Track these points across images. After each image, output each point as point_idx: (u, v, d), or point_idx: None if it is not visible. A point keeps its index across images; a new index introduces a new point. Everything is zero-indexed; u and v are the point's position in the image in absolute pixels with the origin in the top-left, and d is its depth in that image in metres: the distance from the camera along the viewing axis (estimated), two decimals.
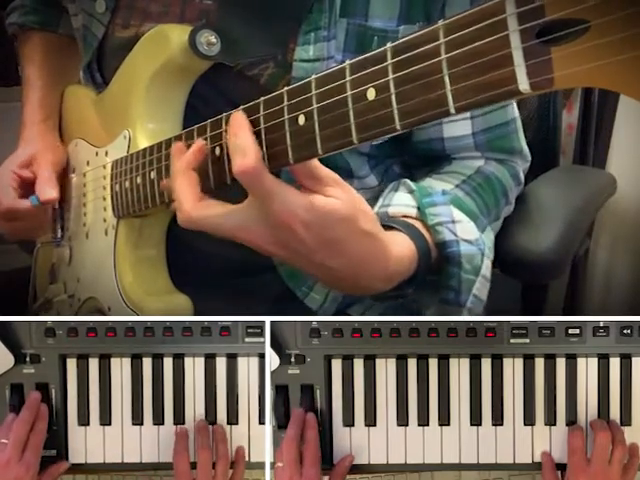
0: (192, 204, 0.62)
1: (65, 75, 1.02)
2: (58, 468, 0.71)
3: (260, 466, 0.70)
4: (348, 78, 0.52)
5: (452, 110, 0.45)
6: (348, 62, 0.52)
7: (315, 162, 0.59)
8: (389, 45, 0.49)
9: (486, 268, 0.73)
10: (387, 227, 0.69)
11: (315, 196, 0.58)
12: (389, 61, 0.49)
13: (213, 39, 0.75)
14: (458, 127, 0.81)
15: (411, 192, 0.75)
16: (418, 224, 0.71)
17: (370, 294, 0.69)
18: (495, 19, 0.41)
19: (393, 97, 0.48)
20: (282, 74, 0.76)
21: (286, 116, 0.57)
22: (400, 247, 0.67)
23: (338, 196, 0.59)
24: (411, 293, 0.70)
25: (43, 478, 0.69)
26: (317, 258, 0.60)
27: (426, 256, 0.69)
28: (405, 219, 0.72)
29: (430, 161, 0.85)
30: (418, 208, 0.73)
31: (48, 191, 0.89)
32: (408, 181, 0.77)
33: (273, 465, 0.68)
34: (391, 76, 0.48)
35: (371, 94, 0.50)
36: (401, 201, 0.75)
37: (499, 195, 0.83)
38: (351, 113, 0.51)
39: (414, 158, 0.87)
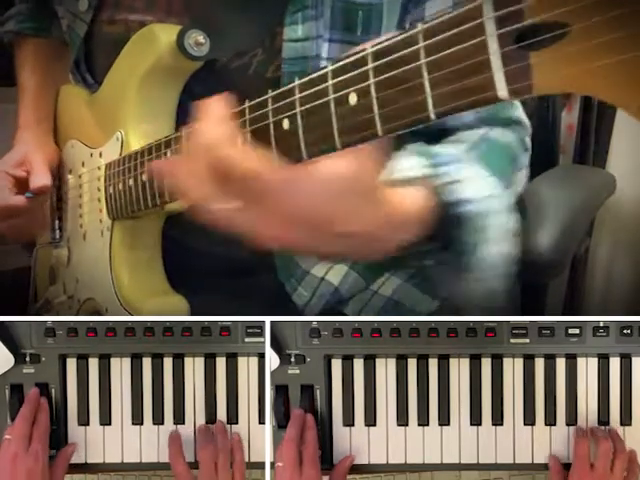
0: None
1: (58, 77, 1.01)
2: (66, 452, 0.71)
3: (260, 466, 0.70)
4: (330, 82, 0.51)
5: (432, 115, 0.44)
6: (330, 67, 0.51)
7: None
8: (370, 49, 0.48)
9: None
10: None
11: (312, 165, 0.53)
12: (370, 65, 0.48)
13: (201, 39, 0.74)
14: None
15: (418, 154, 0.69)
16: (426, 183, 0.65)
17: (390, 253, 0.62)
18: (473, 23, 0.40)
19: (374, 102, 0.47)
20: (271, 59, 0.76)
21: (271, 120, 0.56)
22: (413, 198, 0.62)
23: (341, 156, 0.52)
24: (433, 256, 0.67)
25: (55, 465, 0.70)
26: (336, 228, 0.54)
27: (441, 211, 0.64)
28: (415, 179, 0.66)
29: (434, 135, 0.79)
30: (426, 169, 0.66)
31: (39, 180, 0.89)
32: (417, 145, 0.71)
33: (273, 465, 0.68)
34: (372, 80, 0.47)
35: (353, 99, 0.49)
36: (408, 164, 0.68)
37: (506, 160, 0.78)
38: (334, 118, 0.50)
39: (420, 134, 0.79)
